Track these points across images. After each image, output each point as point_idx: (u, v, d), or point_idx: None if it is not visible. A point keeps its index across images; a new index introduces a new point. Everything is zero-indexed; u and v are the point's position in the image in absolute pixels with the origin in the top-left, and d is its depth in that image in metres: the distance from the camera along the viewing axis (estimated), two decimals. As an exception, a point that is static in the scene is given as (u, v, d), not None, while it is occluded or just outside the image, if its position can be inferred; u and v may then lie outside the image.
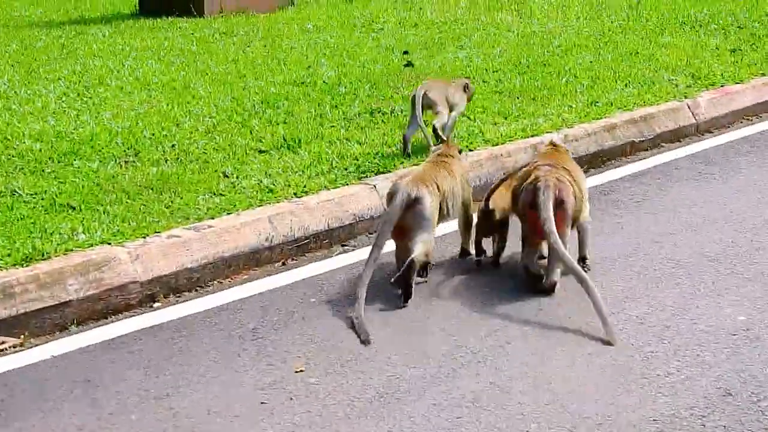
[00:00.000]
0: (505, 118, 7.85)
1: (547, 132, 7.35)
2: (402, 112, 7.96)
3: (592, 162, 7.30)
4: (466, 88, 7.05)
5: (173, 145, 7.21)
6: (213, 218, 5.75)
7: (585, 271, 4.73)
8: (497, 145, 7.11)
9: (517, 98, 8.50)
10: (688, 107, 8.23)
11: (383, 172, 6.51)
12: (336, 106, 8.27)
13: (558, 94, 8.41)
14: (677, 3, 13.16)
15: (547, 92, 8.47)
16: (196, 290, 5.35)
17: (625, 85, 8.74)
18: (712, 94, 8.52)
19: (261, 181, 6.33)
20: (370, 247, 4.95)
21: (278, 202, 6.03)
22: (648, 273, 5.18)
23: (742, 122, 8.48)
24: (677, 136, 8.00)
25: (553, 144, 5.40)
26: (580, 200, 4.91)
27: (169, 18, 14.15)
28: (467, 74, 9.23)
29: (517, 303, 4.90)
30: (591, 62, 9.69)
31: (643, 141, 7.74)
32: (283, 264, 5.66)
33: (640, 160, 7.36)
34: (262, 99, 8.47)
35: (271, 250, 5.68)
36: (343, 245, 5.95)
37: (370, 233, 6.06)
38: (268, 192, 6.16)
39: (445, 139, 6.47)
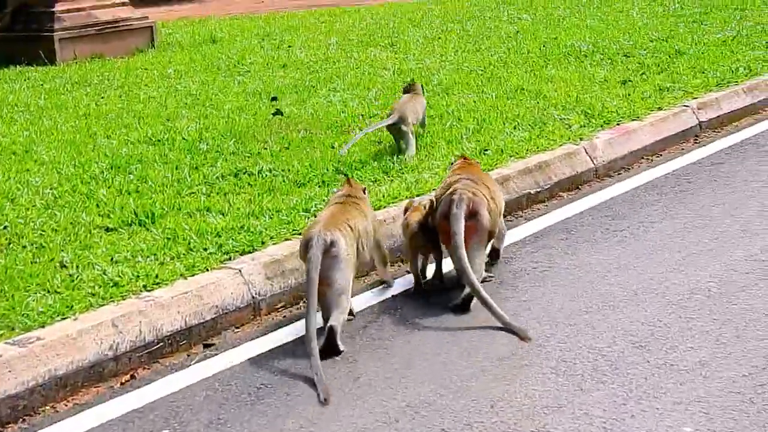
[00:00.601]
0: (386, 174, 6.95)
1: (434, 189, 6.45)
2: (271, 172, 7.00)
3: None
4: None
5: (5, 227, 6.13)
6: (44, 326, 4.72)
7: (494, 263, 5.28)
8: (379, 208, 6.17)
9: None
10: (585, 150, 7.46)
11: (249, 252, 5.53)
12: (196, 168, 7.28)
13: (442, 141, 7.57)
14: (557, 32, 12.50)
15: (430, 140, 7.61)
16: (23, 421, 4.29)
17: (514, 128, 7.94)
18: (609, 133, 7.77)
19: (105, 272, 5.30)
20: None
21: (125, 299, 5.02)
22: (567, 369, 4.30)
23: (642, 162, 7.72)
24: (576, 184, 7.21)
25: (463, 157, 5.61)
26: (495, 214, 5.07)
27: (18, 67, 12.93)
28: (341, 121, 8.33)
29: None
30: (475, 102, 8.88)
31: (539, 192, 6.91)
32: (132, 377, 4.64)
33: (539, 216, 6.53)
34: (112, 163, 7.44)
35: (117, 361, 4.68)
36: (205, 344, 4.96)
37: (237, 328, 5.09)
38: (112, 286, 5.14)
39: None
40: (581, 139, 7.62)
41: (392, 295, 5.37)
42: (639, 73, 9.77)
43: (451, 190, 4.96)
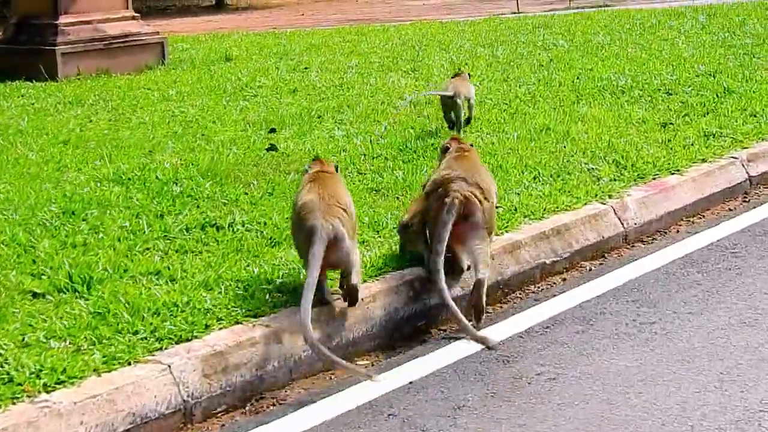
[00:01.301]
0: (378, 233, 5.80)
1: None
2: (244, 225, 5.88)
3: (487, 303, 5.23)
4: None
5: None
6: None
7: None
8: (365, 281, 5.02)
9: (397, 199, 6.47)
10: (614, 211, 6.27)
11: (186, 339, 4.39)
12: (161, 215, 6.18)
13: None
14: (593, 62, 11.28)
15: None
16: None
17: (534, 178, 6.77)
18: (643, 190, 6.58)
19: (6, 361, 4.18)
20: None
21: (15, 403, 3.89)
22: None
23: (681, 225, 6.52)
24: (601, 251, 6.04)
25: (454, 139, 5.57)
26: (490, 212, 5.05)
27: (16, 82, 11.92)
28: (341, 161, 7.22)
29: None
30: (493, 144, 7.72)
31: (557, 262, 5.73)
32: None
33: (553, 296, 5.35)
34: (67, 207, 6.37)
35: (-11, 493, 3.54)
36: (115, 464, 3.82)
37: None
38: (5, 383, 4.01)
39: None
40: (610, 196, 6.43)
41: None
42: (681, 115, 8.55)
43: (443, 190, 4.91)
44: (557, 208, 6.18)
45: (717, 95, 9.23)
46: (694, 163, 7.18)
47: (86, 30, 12.45)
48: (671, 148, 7.48)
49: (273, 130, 8.66)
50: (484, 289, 4.89)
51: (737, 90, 9.33)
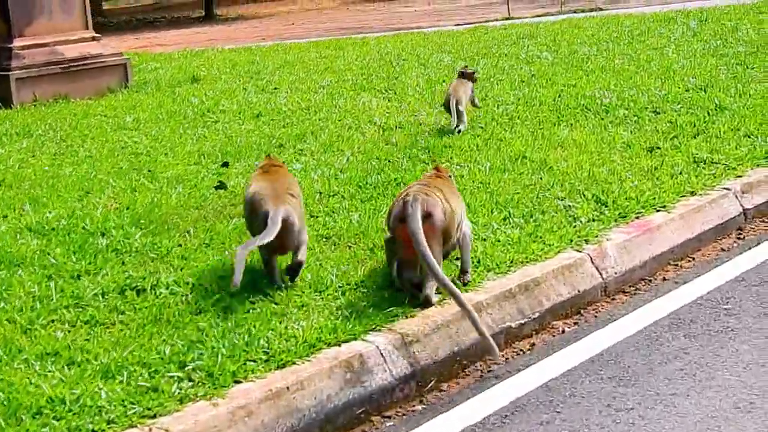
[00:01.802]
0: (320, 294, 5.02)
1: (374, 330, 4.55)
2: (168, 288, 5.11)
3: (441, 379, 4.45)
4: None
5: None
6: None
7: (465, 283, 4.89)
8: (293, 363, 4.22)
9: (350, 248, 5.68)
10: (591, 260, 5.46)
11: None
12: (78, 276, 5.41)
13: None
14: (578, 76, 10.46)
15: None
16: None
17: (504, 219, 5.97)
18: (625, 231, 5.78)
19: None
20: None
21: None
22: None
23: (668, 271, 5.71)
24: (576, 308, 5.24)
25: (437, 169, 5.37)
26: (450, 216, 4.80)
27: (-34, 110, 11.13)
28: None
29: None
30: (463, 177, 6.93)
31: (524, 324, 4.92)
32: None
33: (518, 371, 4.54)
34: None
35: None
36: None
37: None
38: None
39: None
40: (587, 241, 5.63)
41: None
42: (669, 137, 7.75)
43: (403, 194, 4.82)
44: (527, 258, 5.37)
45: (708, 113, 8.43)
46: (682, 196, 6.37)
47: (42, 53, 11.65)
48: (657, 178, 6.68)
49: (226, 164, 7.87)
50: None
51: (730, 106, 8.52)
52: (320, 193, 6.87)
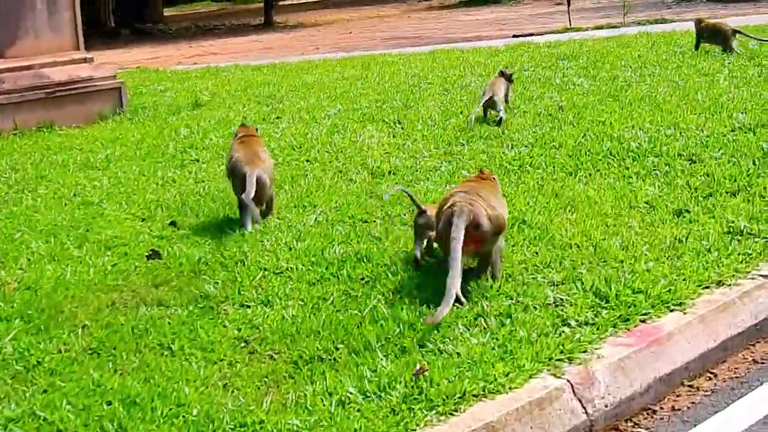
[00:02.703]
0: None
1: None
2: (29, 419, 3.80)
3: None
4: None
5: None
6: None
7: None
8: None
9: (272, 358, 4.35)
10: (572, 389, 4.03)
11: None
12: None
13: (347, 367, 4.24)
14: (610, 110, 9.02)
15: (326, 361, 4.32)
16: None
17: (473, 321, 4.56)
18: (625, 343, 4.38)
19: None
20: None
21: None
22: None
23: (678, 398, 4.27)
24: (546, 462, 3.76)
25: (481, 171, 5.44)
26: (496, 220, 4.86)
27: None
28: (217, 295, 5.12)
29: None
30: (437, 248, 5.49)
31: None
32: None
33: None
34: None
35: None
36: None
37: None
38: None
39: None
40: (571, 359, 4.20)
41: None
42: (703, 195, 6.31)
43: (449, 203, 4.86)
44: (485, 388, 3.96)
45: (754, 162, 6.94)
46: (705, 287, 4.88)
47: (26, 77, 10.48)
48: (679, 257, 5.27)
49: (173, 224, 6.59)
50: None
51: (782, 155, 6.99)
52: (264, 269, 5.52)
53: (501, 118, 8.77)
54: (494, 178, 5.39)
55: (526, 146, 7.96)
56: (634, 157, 7.32)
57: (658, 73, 10.99)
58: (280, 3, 44.96)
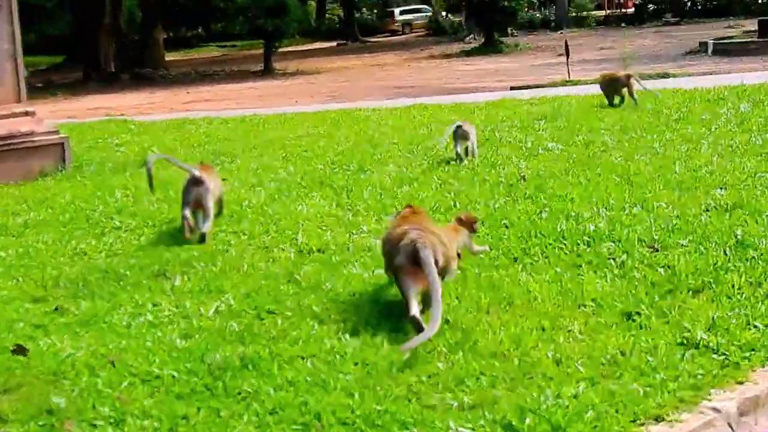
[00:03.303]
0: None
1: None
2: None
3: None
4: None
5: None
6: None
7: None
8: None
9: None
10: None
11: None
12: None
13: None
14: (575, 183, 8.21)
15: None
16: None
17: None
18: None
19: None
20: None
21: None
22: None
23: None
24: None
25: (410, 206, 5.61)
26: (447, 256, 5.13)
27: None
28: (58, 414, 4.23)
29: None
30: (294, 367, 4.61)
31: None
32: None
33: None
34: None
35: None
36: None
37: None
38: None
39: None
40: None
41: None
42: (662, 293, 5.43)
43: (408, 239, 5.01)
44: None
45: (725, 252, 6.05)
46: (640, 424, 3.96)
47: (-41, 131, 9.65)
48: (618, 377, 4.33)
49: (57, 309, 5.68)
50: None
51: (756, 243, 6.11)
52: (133, 375, 4.60)
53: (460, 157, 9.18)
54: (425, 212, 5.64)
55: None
56: (589, 242, 6.43)
57: (638, 139, 10.15)
58: (286, 49, 44.44)
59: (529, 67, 29.65)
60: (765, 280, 5.56)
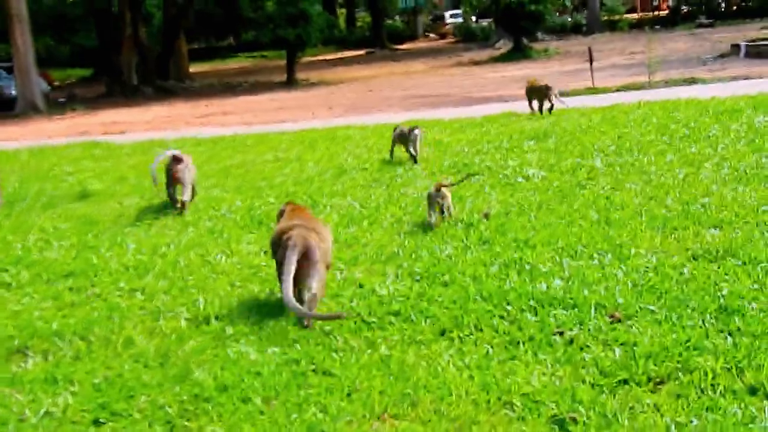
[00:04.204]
0: None
1: None
2: None
3: None
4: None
5: None
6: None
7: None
8: None
9: None
10: None
11: None
12: None
13: None
14: (540, 225, 6.87)
15: None
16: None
17: None
18: None
19: None
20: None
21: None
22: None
23: None
24: None
25: (291, 203, 5.94)
26: (325, 252, 5.36)
27: None
28: None
29: None
30: None
31: None
32: None
33: None
34: None
35: None
36: None
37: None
38: None
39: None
40: None
41: None
42: (611, 386, 4.15)
43: (286, 237, 5.23)
44: None
45: (703, 323, 4.73)
46: None
47: None
48: None
49: None
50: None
51: (741, 309, 4.75)
52: None
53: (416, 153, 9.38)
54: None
55: (406, 281, 5.73)
56: (536, 309, 5.07)
57: (632, 162, 8.75)
58: (314, 59, 43.32)
59: (556, 73, 28.29)
60: (749, 365, 4.19)
